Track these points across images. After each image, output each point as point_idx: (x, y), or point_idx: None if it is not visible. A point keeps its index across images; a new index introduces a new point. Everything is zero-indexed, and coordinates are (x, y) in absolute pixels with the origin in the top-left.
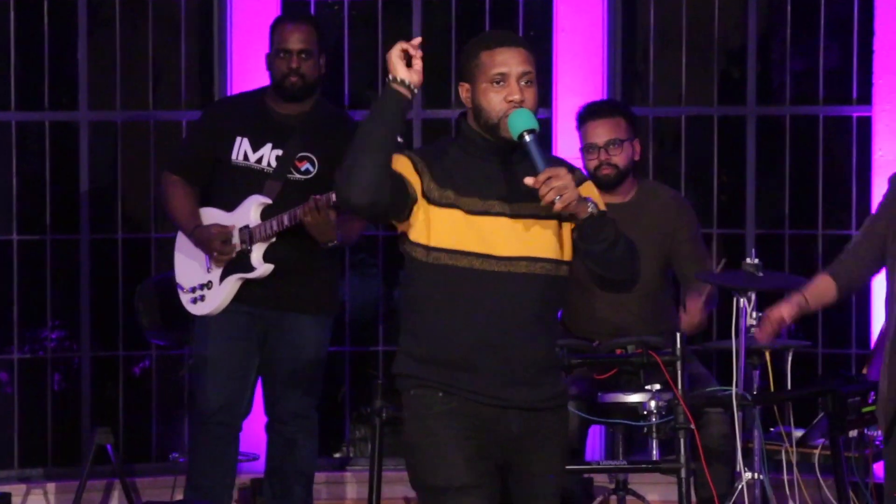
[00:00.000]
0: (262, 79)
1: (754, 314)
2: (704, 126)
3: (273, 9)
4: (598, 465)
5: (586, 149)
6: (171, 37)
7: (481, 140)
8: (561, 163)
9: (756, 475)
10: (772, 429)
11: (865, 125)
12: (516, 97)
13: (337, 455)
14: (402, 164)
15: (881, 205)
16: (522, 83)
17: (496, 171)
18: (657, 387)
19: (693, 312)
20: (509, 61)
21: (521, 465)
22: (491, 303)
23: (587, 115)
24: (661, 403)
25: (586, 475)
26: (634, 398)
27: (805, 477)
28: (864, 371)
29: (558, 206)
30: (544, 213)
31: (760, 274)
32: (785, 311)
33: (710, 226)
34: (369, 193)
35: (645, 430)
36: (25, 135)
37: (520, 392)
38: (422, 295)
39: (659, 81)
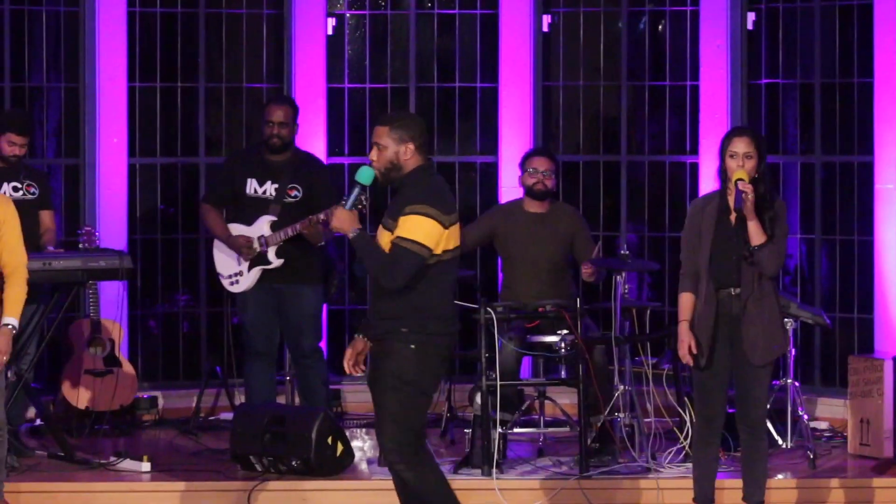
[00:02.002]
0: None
1: (626, 286)
2: (594, 168)
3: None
4: (528, 381)
5: (529, 172)
6: None
7: None
8: None
9: (626, 387)
10: (636, 358)
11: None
12: (370, 156)
13: None
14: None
15: (689, 226)
16: (375, 147)
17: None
18: (565, 332)
19: (587, 271)
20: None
21: None
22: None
23: (533, 153)
24: (567, 342)
25: (520, 388)
26: (551, 339)
27: (657, 388)
28: None
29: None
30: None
31: (629, 260)
32: (689, 339)
33: (599, 228)
34: None
35: (557, 359)
36: None
37: (369, 329)
38: None
39: (565, 136)
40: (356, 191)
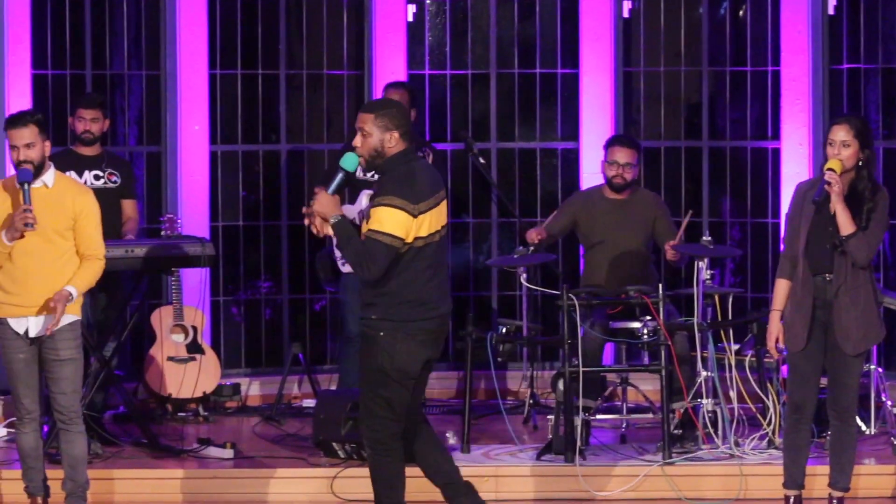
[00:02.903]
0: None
1: (708, 272)
2: (676, 154)
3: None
4: (610, 367)
5: (609, 163)
6: None
7: None
8: None
9: (708, 373)
10: (719, 344)
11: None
12: (354, 142)
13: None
14: None
15: (792, 210)
16: (360, 134)
17: None
18: (647, 318)
19: (670, 252)
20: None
21: None
22: None
23: (615, 141)
24: (649, 328)
25: (603, 374)
26: (633, 325)
27: (739, 374)
28: None
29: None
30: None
31: (711, 246)
32: (777, 332)
33: (680, 214)
34: None
35: (640, 345)
36: None
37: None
38: None
39: (646, 122)
40: (339, 176)
